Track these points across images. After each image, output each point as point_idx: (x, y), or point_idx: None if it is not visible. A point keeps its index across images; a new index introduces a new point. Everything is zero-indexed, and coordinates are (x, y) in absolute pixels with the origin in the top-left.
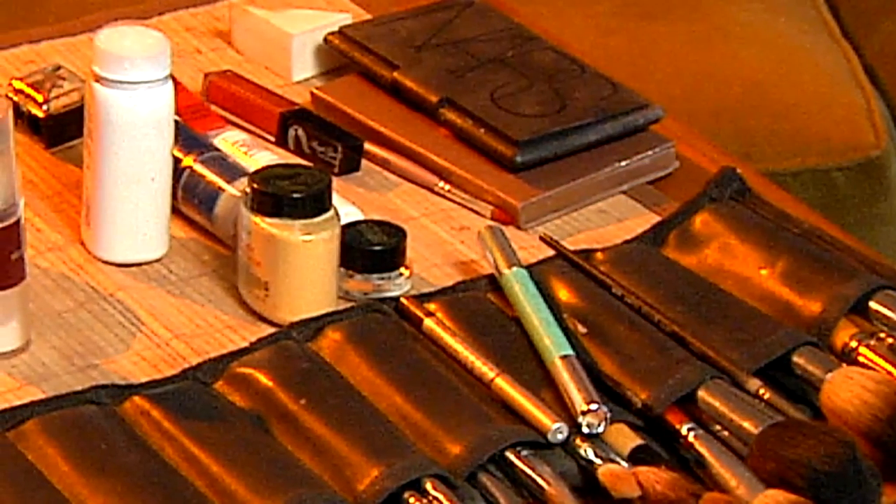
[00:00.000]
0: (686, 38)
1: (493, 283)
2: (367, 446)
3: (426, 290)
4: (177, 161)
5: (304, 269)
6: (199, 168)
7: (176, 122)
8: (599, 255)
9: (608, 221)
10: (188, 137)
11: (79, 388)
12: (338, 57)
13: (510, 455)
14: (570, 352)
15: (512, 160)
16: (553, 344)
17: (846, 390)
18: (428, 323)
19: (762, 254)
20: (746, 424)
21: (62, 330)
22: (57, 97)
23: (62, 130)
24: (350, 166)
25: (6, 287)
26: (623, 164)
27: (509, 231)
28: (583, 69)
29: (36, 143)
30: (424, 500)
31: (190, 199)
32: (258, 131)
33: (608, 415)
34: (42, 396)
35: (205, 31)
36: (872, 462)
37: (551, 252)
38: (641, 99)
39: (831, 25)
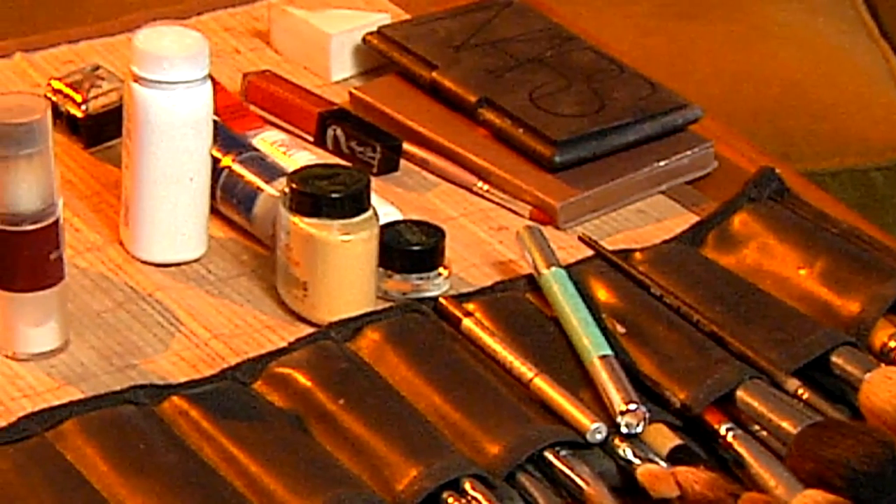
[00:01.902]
0: (725, 39)
1: (532, 283)
2: (405, 446)
3: (465, 290)
4: (215, 161)
5: (343, 269)
6: (237, 168)
7: (214, 122)
8: (638, 255)
9: (647, 221)
10: (227, 137)
11: (117, 388)
12: (376, 57)
13: (549, 455)
14: (609, 352)
15: (550, 160)
16: (592, 344)
17: (885, 390)
18: (466, 323)
19: (801, 254)
20: (785, 424)
21: (101, 330)
22: (95, 97)
23: (101, 130)
24: (389, 166)
25: (45, 287)
26: (662, 163)
27: (548, 231)
28: (621, 69)
29: (74, 143)
30: (463, 500)
31: (228, 199)
32: (297, 131)
33: (647, 415)
34: (81, 396)
35: (243, 31)
36: None
37: (590, 252)
38: (680, 99)
39: (870, 25)
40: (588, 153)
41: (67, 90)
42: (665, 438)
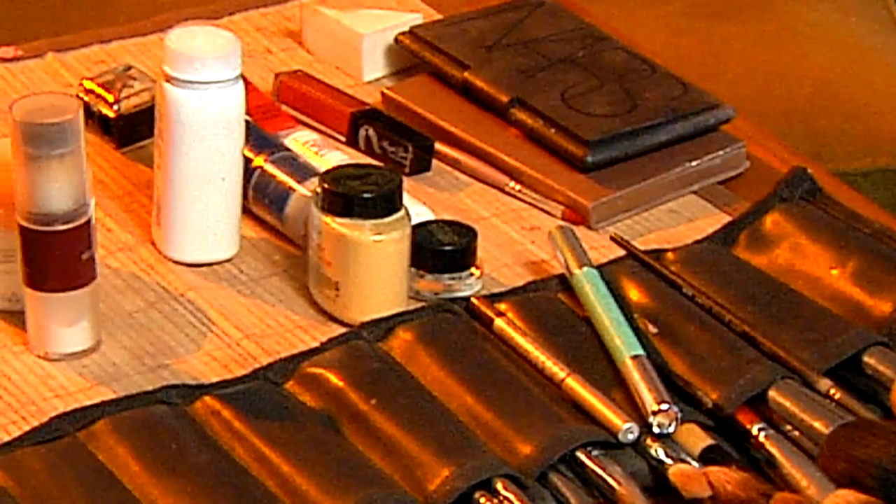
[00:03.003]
0: (756, 38)
1: (564, 283)
2: (437, 446)
3: (497, 290)
4: (247, 161)
5: (375, 269)
6: (269, 168)
7: (246, 122)
8: (670, 255)
9: (679, 221)
10: (259, 137)
11: (149, 388)
12: (408, 57)
13: (581, 455)
14: (641, 352)
15: (583, 160)
16: (624, 344)
17: None
18: (498, 323)
19: (833, 254)
20: (817, 424)
21: (133, 330)
22: (127, 97)
23: (133, 130)
24: (421, 166)
25: (77, 287)
26: (694, 164)
27: (580, 231)
28: (653, 69)
29: (107, 143)
30: (495, 500)
31: (261, 199)
32: (329, 131)
33: (679, 415)
34: (113, 396)
35: (275, 31)
36: None
37: (622, 252)
38: (712, 99)
39: None
40: (620, 153)
41: (99, 90)
42: (697, 438)
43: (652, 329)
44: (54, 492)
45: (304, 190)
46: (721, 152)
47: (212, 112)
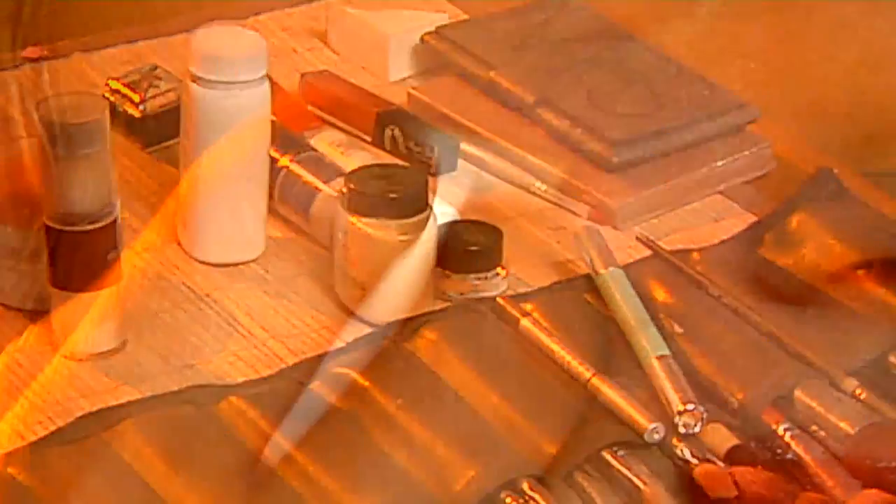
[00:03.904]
0: (783, 38)
1: (590, 283)
2: (463, 446)
3: (523, 290)
4: (273, 161)
5: (401, 269)
6: (295, 168)
7: (272, 122)
8: (696, 255)
9: (704, 221)
10: (284, 137)
11: (175, 388)
12: (434, 57)
13: (606, 455)
14: (667, 352)
15: (608, 160)
16: (649, 344)
17: None
18: (524, 323)
19: (858, 254)
20: (843, 424)
21: (158, 330)
22: (153, 97)
23: (159, 130)
24: (446, 166)
25: (103, 287)
26: (719, 164)
27: (606, 231)
28: (679, 69)
29: (132, 143)
30: (521, 500)
31: (286, 199)
32: (355, 131)
33: (704, 415)
34: (138, 396)
35: (301, 31)
36: None
37: (648, 252)
38: (738, 99)
39: None
40: (646, 153)
41: (125, 90)
42: (723, 438)
43: (677, 329)
44: (79, 491)
45: (329, 190)
46: (747, 152)
47: (238, 112)
